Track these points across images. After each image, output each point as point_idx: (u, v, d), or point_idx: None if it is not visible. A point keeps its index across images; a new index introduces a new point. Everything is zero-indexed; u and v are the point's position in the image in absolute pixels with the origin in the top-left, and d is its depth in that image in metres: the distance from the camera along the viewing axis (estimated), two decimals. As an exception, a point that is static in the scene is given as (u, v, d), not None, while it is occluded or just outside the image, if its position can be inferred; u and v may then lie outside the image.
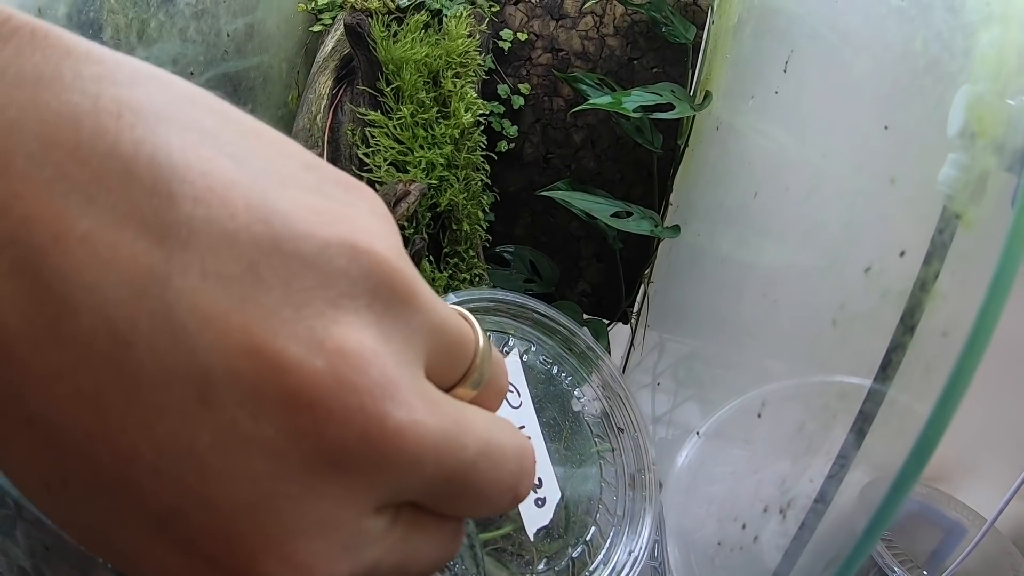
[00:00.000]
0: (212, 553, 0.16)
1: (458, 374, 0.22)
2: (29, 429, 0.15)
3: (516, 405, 0.48)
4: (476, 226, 0.70)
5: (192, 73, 0.72)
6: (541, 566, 0.47)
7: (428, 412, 0.18)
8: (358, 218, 0.18)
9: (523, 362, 0.50)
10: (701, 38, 0.77)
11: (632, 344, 0.84)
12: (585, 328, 0.54)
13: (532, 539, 0.45)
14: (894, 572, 1.20)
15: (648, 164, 0.77)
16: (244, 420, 0.15)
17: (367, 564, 0.18)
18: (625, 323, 0.84)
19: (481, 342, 0.23)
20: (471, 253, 0.69)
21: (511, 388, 0.48)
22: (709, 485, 0.52)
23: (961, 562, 0.92)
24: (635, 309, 0.84)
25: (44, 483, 0.16)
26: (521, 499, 0.23)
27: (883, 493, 0.24)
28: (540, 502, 0.46)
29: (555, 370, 0.53)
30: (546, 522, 0.46)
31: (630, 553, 0.48)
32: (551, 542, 0.47)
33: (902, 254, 0.29)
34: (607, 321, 0.83)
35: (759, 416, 0.43)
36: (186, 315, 0.15)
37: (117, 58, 0.17)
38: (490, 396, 0.24)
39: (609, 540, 0.49)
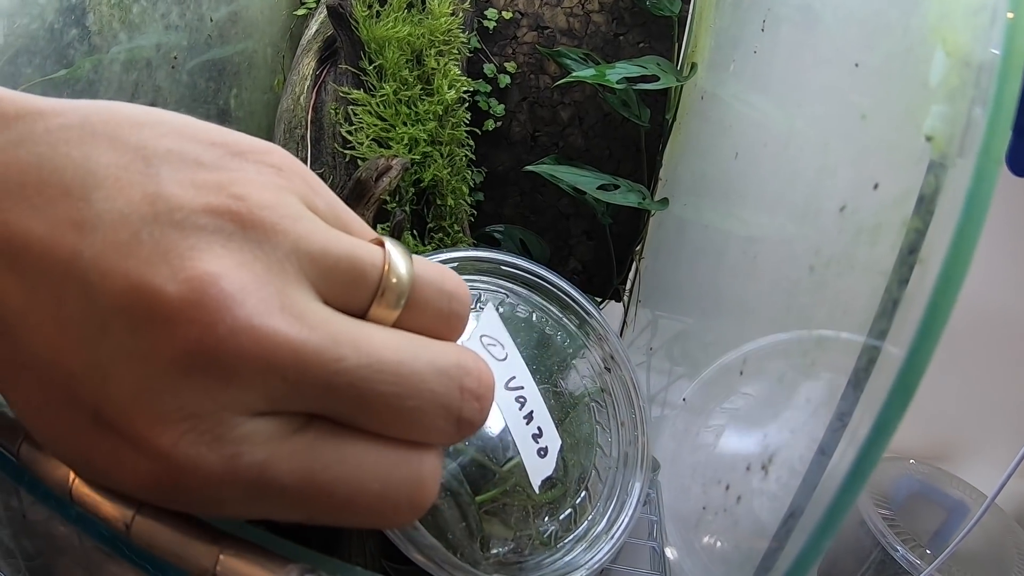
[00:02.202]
0: (123, 432, 0.22)
1: (364, 296, 0.25)
2: (25, 370, 0.23)
3: (501, 357, 0.47)
4: (461, 201, 0.69)
5: (176, 58, 0.71)
6: (544, 518, 0.47)
7: (282, 321, 0.22)
8: (234, 183, 0.24)
9: (499, 314, 0.50)
10: (687, 11, 0.76)
11: (624, 322, 0.83)
12: (558, 275, 0.54)
13: (538, 490, 0.45)
14: (897, 551, 1.20)
15: (636, 139, 0.76)
16: (127, 338, 0.21)
17: (248, 462, 0.22)
18: (617, 301, 0.84)
19: (394, 266, 0.25)
20: (456, 228, 0.68)
21: (493, 341, 0.48)
22: (694, 453, 0.52)
23: (962, 539, 0.91)
24: (627, 286, 0.83)
25: (36, 409, 0.23)
26: (472, 423, 0.26)
27: (864, 440, 0.23)
28: (542, 452, 0.45)
29: (534, 317, 0.53)
30: (550, 472, 0.45)
31: (628, 495, 0.48)
32: (551, 490, 0.47)
33: (875, 187, 0.29)
34: (599, 299, 0.82)
35: (741, 374, 0.43)
36: (92, 275, 0.22)
37: (75, 106, 0.24)
38: (428, 319, 0.26)
39: (607, 483, 0.48)
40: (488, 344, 0.47)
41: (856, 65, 0.33)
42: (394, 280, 0.25)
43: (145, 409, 0.21)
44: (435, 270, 0.27)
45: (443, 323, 0.27)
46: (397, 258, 0.26)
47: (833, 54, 0.36)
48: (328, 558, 0.24)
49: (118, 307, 0.21)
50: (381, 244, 0.26)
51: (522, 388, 0.47)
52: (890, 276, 0.24)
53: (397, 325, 0.26)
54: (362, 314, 0.25)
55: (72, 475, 0.27)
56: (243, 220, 0.23)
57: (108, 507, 0.26)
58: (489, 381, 0.27)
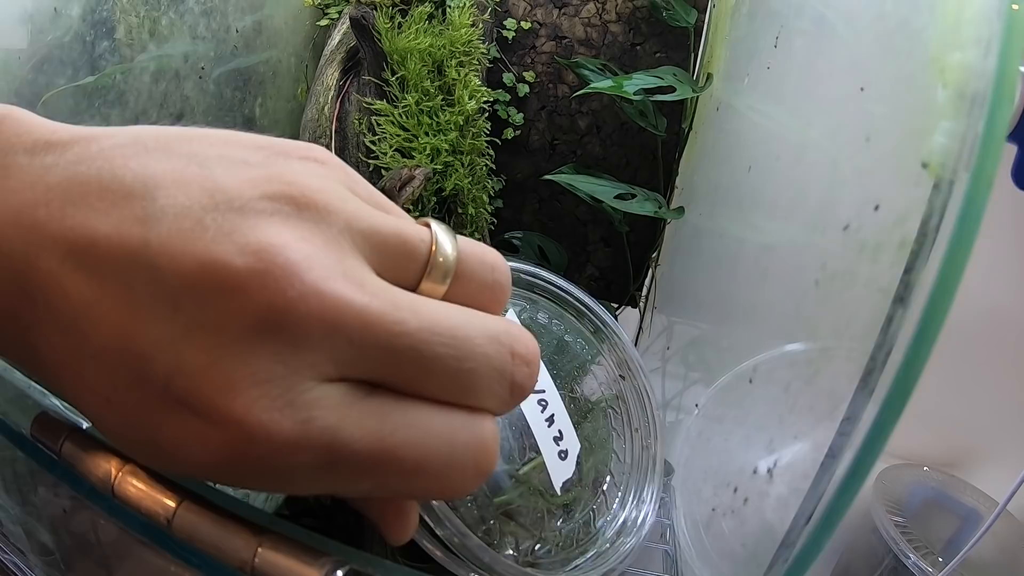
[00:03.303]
0: (193, 404, 0.23)
1: (415, 271, 0.27)
2: (92, 361, 0.23)
3: None
4: (481, 209, 0.71)
5: (203, 67, 0.73)
6: (561, 520, 0.47)
7: (346, 287, 0.23)
8: (283, 174, 0.25)
9: (520, 320, 0.51)
10: (703, 21, 0.78)
11: (640, 328, 0.85)
12: (574, 285, 0.55)
13: (559, 491, 0.46)
14: (909, 558, 1.20)
15: (653, 148, 0.77)
16: (198, 312, 0.23)
17: (320, 426, 0.23)
18: (634, 307, 0.85)
19: (441, 243, 0.27)
20: (476, 235, 0.70)
21: None
22: (706, 457, 0.53)
23: (971, 547, 0.91)
24: (643, 292, 0.84)
25: (104, 398, 0.24)
26: (524, 387, 0.27)
27: (858, 448, 0.25)
28: (563, 454, 0.46)
29: (552, 324, 0.54)
30: (570, 473, 0.47)
31: (643, 499, 0.49)
32: (567, 494, 0.48)
33: (876, 208, 0.30)
34: (616, 305, 0.84)
35: (751, 381, 0.44)
36: (161, 259, 0.23)
37: (125, 129, 0.26)
38: (474, 291, 0.28)
39: (622, 487, 0.49)
40: None
41: (862, 89, 0.34)
42: (441, 257, 0.27)
43: (218, 377, 0.22)
44: (476, 246, 0.29)
45: (488, 293, 0.29)
46: (443, 235, 0.28)
47: (842, 75, 0.38)
48: (359, 552, 0.25)
49: (188, 285, 0.23)
50: (426, 225, 0.28)
51: (544, 392, 0.48)
52: (888, 293, 0.25)
53: (445, 299, 0.27)
54: (413, 289, 0.27)
55: (115, 472, 0.28)
56: (297, 202, 0.25)
57: (150, 502, 0.27)
58: (535, 349, 0.28)
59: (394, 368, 0.24)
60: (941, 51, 0.26)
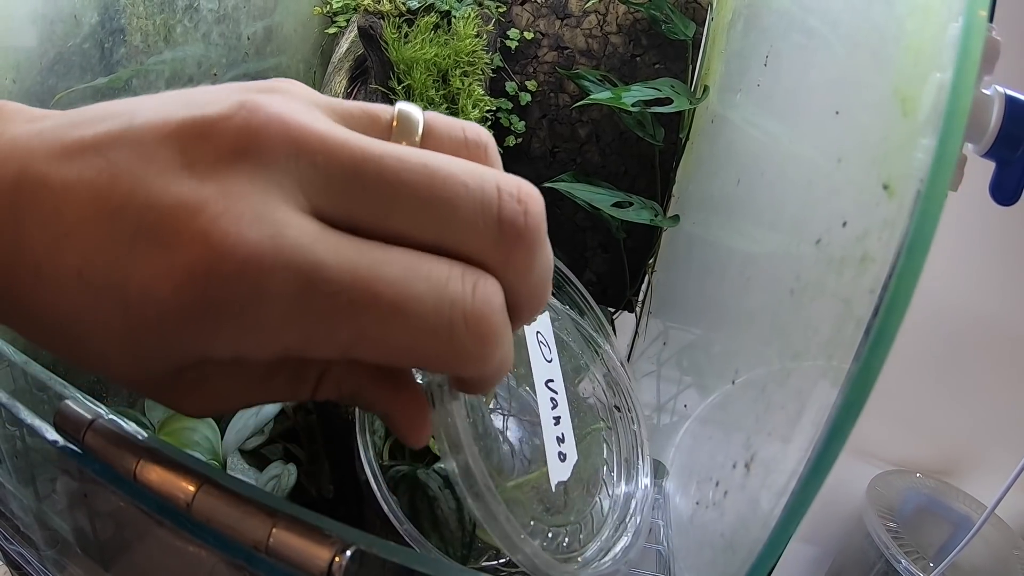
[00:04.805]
0: (161, 234, 0.23)
1: (381, 133, 0.27)
2: (67, 239, 0.23)
3: (548, 359, 0.49)
4: (482, 216, 0.72)
5: (215, 74, 0.75)
6: (554, 529, 0.48)
7: (313, 119, 0.24)
8: (249, 89, 0.26)
9: (553, 326, 0.52)
10: (702, 34, 0.79)
11: (636, 332, 0.87)
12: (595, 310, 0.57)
13: (553, 491, 0.47)
14: (900, 563, 1.22)
15: (651, 157, 0.79)
16: (172, 156, 0.24)
17: (292, 244, 0.23)
18: (630, 311, 0.87)
19: (403, 107, 0.27)
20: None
21: (544, 341, 0.50)
22: (693, 455, 0.55)
23: (960, 550, 0.93)
24: (640, 298, 0.86)
25: (76, 273, 0.23)
26: (515, 226, 0.25)
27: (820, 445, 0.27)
28: (563, 456, 0.47)
29: (555, 322, 0.55)
30: (566, 476, 0.47)
31: (628, 528, 0.50)
32: (552, 516, 0.49)
33: (844, 224, 0.32)
34: (613, 310, 0.85)
35: (733, 383, 0.46)
36: (139, 132, 0.24)
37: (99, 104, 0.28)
38: (447, 149, 0.27)
39: (607, 515, 0.51)
40: (540, 343, 0.49)
41: (837, 113, 0.37)
42: (404, 116, 0.27)
43: (186, 200, 0.23)
44: (446, 116, 0.28)
45: (464, 152, 0.27)
46: (407, 104, 0.28)
47: (822, 99, 0.40)
48: (365, 534, 0.27)
49: (165, 138, 0.24)
50: None
51: (557, 393, 0.49)
52: (849, 303, 0.28)
53: None
54: None
55: (136, 459, 0.30)
56: (264, 90, 0.25)
57: (170, 487, 0.29)
58: (532, 191, 0.26)
59: (362, 198, 0.24)
60: (903, 83, 0.28)
